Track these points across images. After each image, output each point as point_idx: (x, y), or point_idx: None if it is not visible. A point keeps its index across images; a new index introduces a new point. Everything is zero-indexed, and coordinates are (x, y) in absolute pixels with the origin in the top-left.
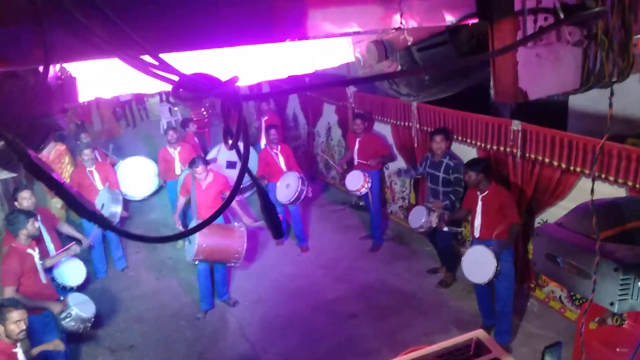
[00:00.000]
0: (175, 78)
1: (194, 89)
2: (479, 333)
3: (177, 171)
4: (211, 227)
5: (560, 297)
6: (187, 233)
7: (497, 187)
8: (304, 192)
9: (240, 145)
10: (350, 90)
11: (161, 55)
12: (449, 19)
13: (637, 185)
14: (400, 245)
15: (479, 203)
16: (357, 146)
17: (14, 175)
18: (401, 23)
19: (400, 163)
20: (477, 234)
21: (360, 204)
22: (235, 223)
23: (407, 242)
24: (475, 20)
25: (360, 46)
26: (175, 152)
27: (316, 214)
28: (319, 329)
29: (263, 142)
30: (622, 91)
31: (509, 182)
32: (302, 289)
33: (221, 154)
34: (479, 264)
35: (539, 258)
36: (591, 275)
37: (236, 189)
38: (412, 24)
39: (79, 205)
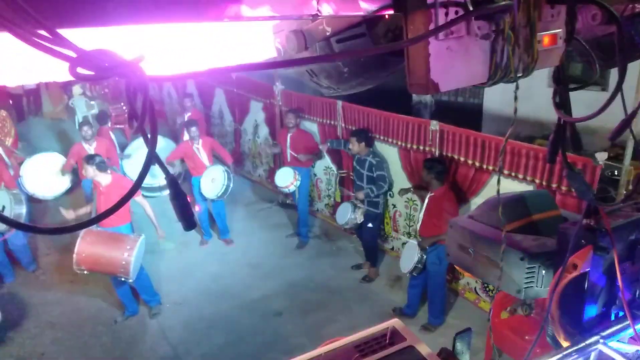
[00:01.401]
0: (73, 54)
1: (94, 67)
2: (395, 322)
3: None
4: (98, 235)
5: (475, 288)
6: (90, 222)
7: (447, 192)
8: (230, 186)
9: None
10: (278, 88)
11: (60, 31)
12: (365, 7)
13: (544, 183)
14: (326, 242)
15: (426, 201)
16: (289, 141)
17: None
18: (318, 10)
19: (326, 162)
20: (417, 228)
21: (288, 202)
22: (135, 234)
23: (333, 240)
24: (391, 12)
25: (281, 36)
26: (90, 148)
27: (242, 212)
28: (245, 328)
29: (185, 136)
30: (531, 95)
31: None
32: (228, 288)
33: (141, 150)
34: (407, 255)
35: (452, 249)
36: (499, 265)
37: (142, 177)
38: (328, 11)
39: None
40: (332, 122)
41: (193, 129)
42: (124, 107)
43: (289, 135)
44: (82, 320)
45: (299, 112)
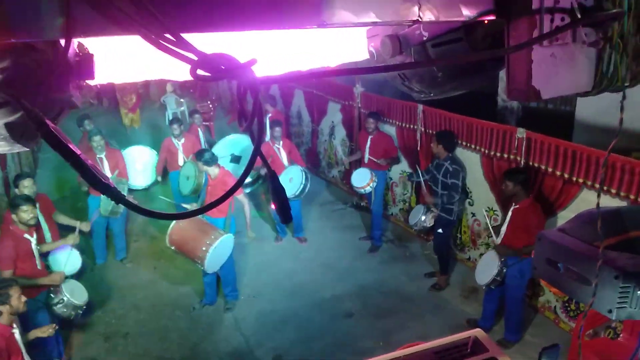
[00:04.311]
0: (194, 57)
1: (211, 69)
2: (477, 332)
3: (180, 162)
4: (190, 222)
5: (555, 307)
6: (196, 212)
7: (533, 204)
8: (307, 187)
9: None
10: (358, 90)
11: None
12: (466, 14)
13: (639, 199)
14: (399, 247)
15: (509, 213)
16: (368, 144)
17: (26, 149)
18: (419, 16)
19: (403, 165)
20: (499, 241)
21: (362, 204)
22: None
23: (406, 245)
24: (492, 18)
25: (374, 41)
26: (179, 144)
27: (317, 211)
28: (315, 327)
29: (267, 138)
30: (629, 104)
31: None
32: (300, 285)
33: (225, 147)
34: (486, 267)
35: (540, 263)
36: (591, 282)
37: (245, 175)
38: (430, 17)
39: (94, 178)
40: (412, 126)
41: (277, 129)
42: (210, 106)
43: (369, 137)
44: (163, 304)
45: (379, 115)
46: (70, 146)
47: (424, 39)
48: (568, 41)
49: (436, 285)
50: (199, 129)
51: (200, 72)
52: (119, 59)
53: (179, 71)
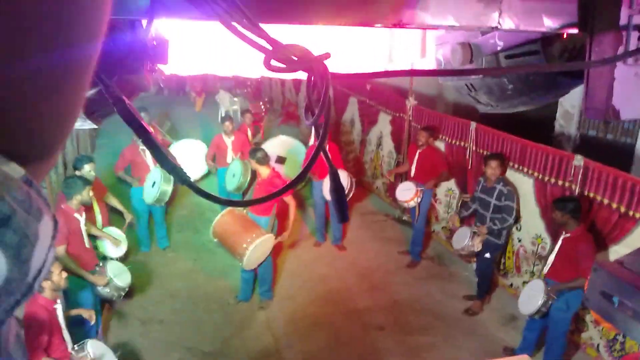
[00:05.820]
0: (269, 47)
1: (285, 60)
2: (524, 358)
3: (229, 159)
4: (235, 218)
5: (598, 345)
6: (252, 202)
7: (585, 234)
8: (352, 192)
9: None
10: (410, 102)
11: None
12: (548, 24)
13: None
14: (439, 265)
15: (559, 242)
16: (416, 157)
17: (95, 127)
18: (498, 22)
19: (451, 184)
20: (546, 270)
21: (404, 218)
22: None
23: (446, 264)
24: (573, 31)
25: (444, 48)
26: (229, 141)
27: (357, 220)
28: (345, 335)
29: (312, 141)
30: None
31: None
32: (334, 292)
33: (272, 148)
34: (530, 296)
35: (593, 295)
36: None
37: (309, 167)
38: (510, 25)
39: (162, 156)
40: (462, 144)
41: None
42: (262, 107)
43: (418, 151)
44: (199, 296)
45: (434, 131)
46: (143, 124)
47: (498, 48)
48: None
49: (469, 310)
50: (248, 129)
51: (274, 63)
52: (189, 49)
53: (244, 67)
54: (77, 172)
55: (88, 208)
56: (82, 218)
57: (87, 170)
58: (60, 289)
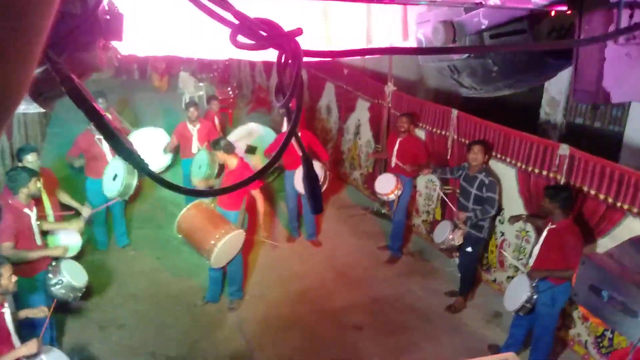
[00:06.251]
0: (236, 22)
1: (253, 35)
2: (510, 356)
3: (194, 149)
4: (201, 212)
5: (586, 342)
6: (218, 191)
7: (572, 226)
8: (325, 185)
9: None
10: (389, 88)
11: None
12: (535, 1)
13: None
14: (420, 260)
15: (544, 233)
16: (397, 146)
17: (44, 111)
18: None
19: (430, 175)
20: (531, 263)
21: (383, 211)
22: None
23: (427, 259)
24: (562, 8)
25: (425, 27)
26: (194, 129)
27: (333, 214)
28: (321, 336)
29: (284, 128)
30: None
31: None
32: (309, 291)
33: (241, 137)
34: (516, 291)
35: (582, 289)
36: (638, 314)
37: (280, 153)
38: (495, 1)
39: (118, 142)
40: (443, 132)
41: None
42: (231, 93)
43: (398, 139)
44: (164, 297)
45: (414, 117)
46: (95, 105)
47: (482, 27)
48: None
49: (452, 307)
50: (215, 116)
51: (241, 39)
52: (147, 26)
53: (206, 48)
54: (20, 164)
55: (38, 201)
56: (32, 213)
57: (30, 160)
58: (9, 293)
